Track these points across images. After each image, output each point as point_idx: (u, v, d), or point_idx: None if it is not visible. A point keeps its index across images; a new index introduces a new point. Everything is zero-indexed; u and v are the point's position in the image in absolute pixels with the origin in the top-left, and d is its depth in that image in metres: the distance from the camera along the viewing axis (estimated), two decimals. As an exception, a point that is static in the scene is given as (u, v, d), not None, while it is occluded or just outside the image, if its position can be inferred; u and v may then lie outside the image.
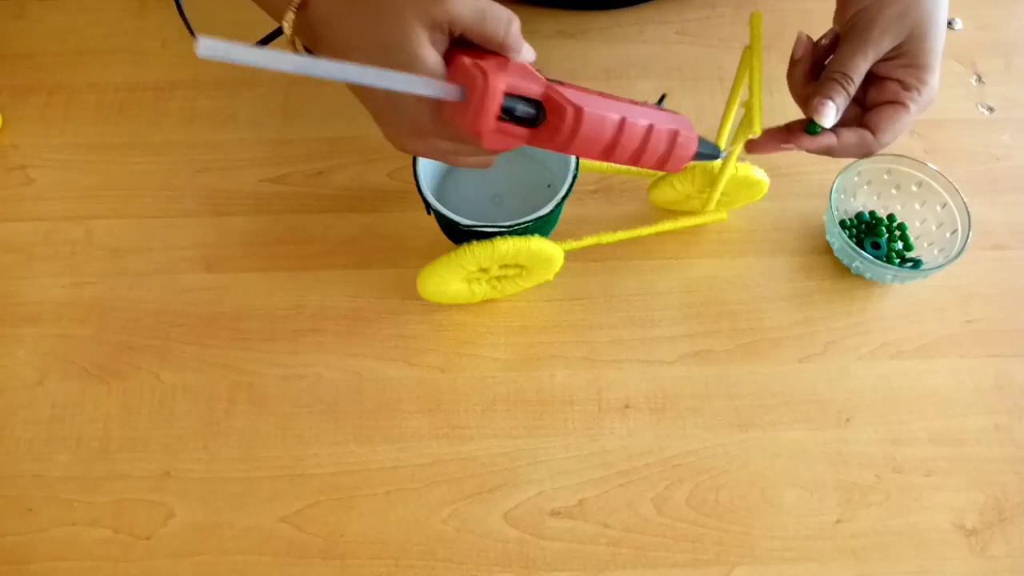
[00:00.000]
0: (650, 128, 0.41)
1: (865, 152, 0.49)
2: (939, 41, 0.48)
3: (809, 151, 0.49)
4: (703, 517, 0.52)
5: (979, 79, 0.69)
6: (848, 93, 0.47)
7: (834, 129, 0.48)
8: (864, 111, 0.49)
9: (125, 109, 0.67)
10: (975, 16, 0.72)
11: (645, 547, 0.51)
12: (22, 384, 0.56)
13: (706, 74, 0.69)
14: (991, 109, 0.68)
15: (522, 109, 0.39)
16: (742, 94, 0.51)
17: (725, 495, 0.53)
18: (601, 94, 0.41)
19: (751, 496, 0.53)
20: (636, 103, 0.42)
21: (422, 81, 0.37)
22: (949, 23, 0.72)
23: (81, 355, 0.57)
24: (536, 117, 0.39)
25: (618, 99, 0.42)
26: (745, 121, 0.50)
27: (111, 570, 0.51)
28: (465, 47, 0.40)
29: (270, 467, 0.53)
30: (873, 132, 0.48)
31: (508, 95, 0.38)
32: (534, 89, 0.39)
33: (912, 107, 0.47)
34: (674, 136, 0.42)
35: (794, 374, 0.57)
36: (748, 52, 0.48)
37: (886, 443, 0.54)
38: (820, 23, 0.51)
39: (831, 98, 0.46)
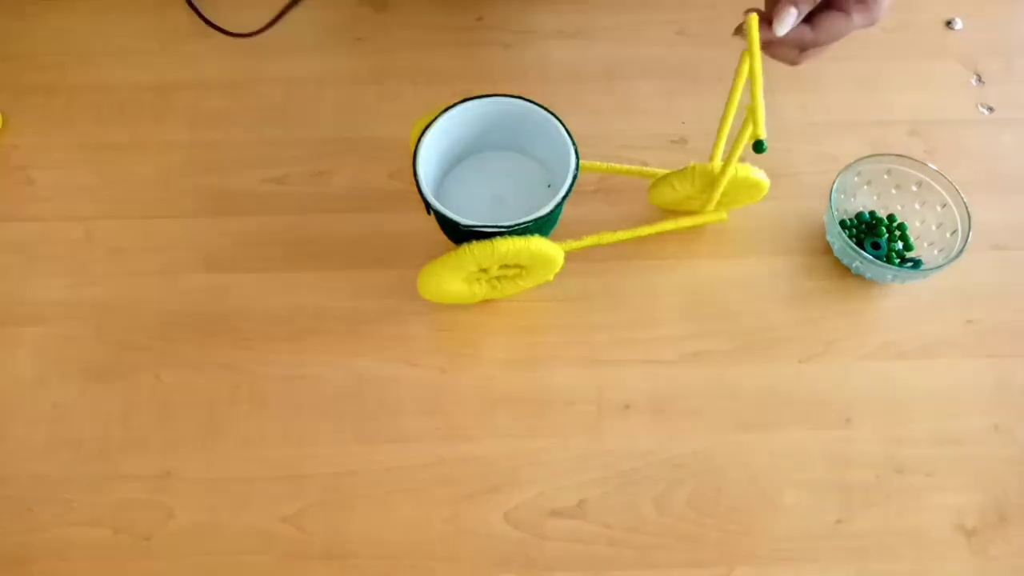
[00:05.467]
0: None
1: (800, 45, 0.49)
2: None
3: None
4: (703, 517, 0.52)
5: (979, 79, 0.69)
6: None
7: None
8: None
9: (126, 109, 0.67)
10: (975, 16, 0.72)
11: (645, 547, 0.51)
12: (22, 384, 0.56)
13: (706, 74, 0.69)
14: (991, 109, 0.68)
15: None
16: (741, 96, 0.51)
17: (725, 495, 0.53)
18: None
19: (751, 496, 0.53)
20: None
21: None
22: (949, 23, 0.72)
23: (81, 355, 0.57)
24: None
25: None
26: (747, 124, 0.50)
27: (111, 570, 0.51)
28: None
29: (270, 467, 0.53)
30: (811, 26, 0.49)
31: None
32: None
33: (855, 16, 0.48)
34: None
35: (794, 374, 0.57)
36: (746, 55, 0.48)
37: (886, 443, 0.54)
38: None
39: (795, 3, 0.47)
